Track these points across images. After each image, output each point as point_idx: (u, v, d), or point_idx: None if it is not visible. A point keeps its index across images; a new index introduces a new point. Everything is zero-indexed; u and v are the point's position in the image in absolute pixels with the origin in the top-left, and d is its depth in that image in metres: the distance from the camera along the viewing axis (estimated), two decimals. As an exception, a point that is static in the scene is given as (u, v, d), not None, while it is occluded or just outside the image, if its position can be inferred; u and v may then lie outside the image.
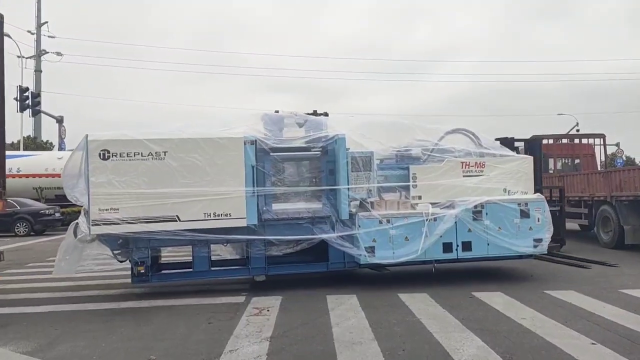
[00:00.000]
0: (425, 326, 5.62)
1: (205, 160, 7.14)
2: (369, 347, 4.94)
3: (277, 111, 8.56)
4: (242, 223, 7.23)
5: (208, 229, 7.13)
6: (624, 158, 26.91)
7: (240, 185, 7.23)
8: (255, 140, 7.42)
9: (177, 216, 7.02)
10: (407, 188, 8.25)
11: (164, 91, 73.06)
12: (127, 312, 6.70)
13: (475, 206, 7.81)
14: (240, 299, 7.17)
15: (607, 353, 4.71)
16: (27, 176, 21.75)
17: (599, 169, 16.46)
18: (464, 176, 8.33)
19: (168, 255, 9.07)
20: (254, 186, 7.31)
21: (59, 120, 30.81)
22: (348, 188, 7.65)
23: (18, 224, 18.74)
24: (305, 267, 7.94)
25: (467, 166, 8.38)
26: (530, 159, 8.77)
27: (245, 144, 7.28)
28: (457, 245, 7.77)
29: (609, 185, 11.78)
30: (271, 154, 7.63)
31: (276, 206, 7.70)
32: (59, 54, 34.37)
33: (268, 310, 6.48)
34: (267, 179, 7.57)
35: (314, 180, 8.02)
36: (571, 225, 13.37)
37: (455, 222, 7.72)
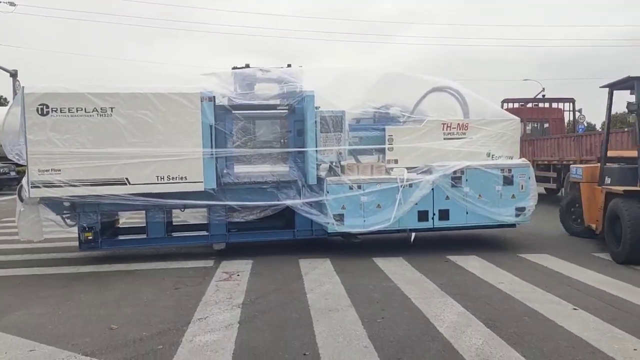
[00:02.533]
0: (403, 292, 5.56)
1: (158, 118, 6.74)
2: (347, 314, 4.83)
3: (247, 65, 8.15)
4: (200, 187, 6.92)
5: (161, 193, 6.83)
6: (585, 124, 27.78)
7: (197, 145, 6.87)
8: (214, 97, 7.02)
9: (126, 179, 6.69)
10: (383, 151, 7.96)
11: (131, 47, 71.23)
12: (88, 276, 6.50)
13: (455, 172, 7.54)
14: (209, 263, 7.02)
15: (590, 319, 4.62)
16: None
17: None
18: (444, 139, 8.02)
19: (131, 218, 8.78)
20: (212, 147, 6.95)
21: (13, 75, 29.52)
22: (316, 150, 7.32)
23: (-29, 183, 18.28)
24: (269, 235, 7.69)
25: (449, 128, 8.06)
26: (517, 120, 8.46)
27: (202, 100, 6.88)
28: (434, 214, 7.54)
29: (579, 150, 12.26)
30: (233, 112, 7.26)
31: (238, 169, 7.40)
32: (12, 4, 32.74)
33: (238, 275, 6.34)
34: (228, 139, 7.23)
35: (281, 141, 7.70)
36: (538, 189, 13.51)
37: (432, 189, 7.46)
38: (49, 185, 6.50)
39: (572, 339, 4.15)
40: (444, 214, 7.56)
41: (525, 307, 4.97)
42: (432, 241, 8.17)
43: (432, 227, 7.57)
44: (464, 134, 8.09)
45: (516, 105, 17.97)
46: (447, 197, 7.53)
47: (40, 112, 6.43)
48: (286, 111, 7.46)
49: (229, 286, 5.87)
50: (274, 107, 7.51)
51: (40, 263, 7.24)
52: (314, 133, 7.33)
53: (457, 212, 7.58)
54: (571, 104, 18.37)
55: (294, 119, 7.44)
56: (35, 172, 6.46)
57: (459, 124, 8.09)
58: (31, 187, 6.48)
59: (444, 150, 7.91)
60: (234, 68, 7.78)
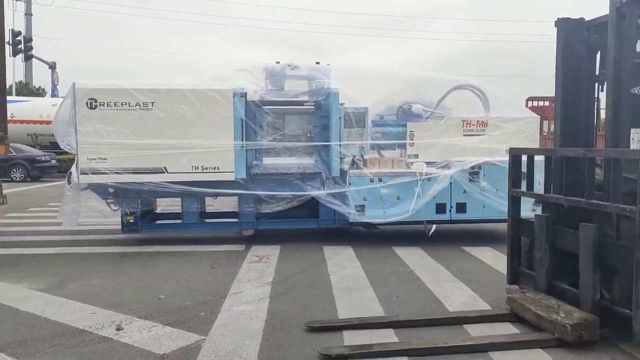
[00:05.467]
0: (418, 276, 6.29)
1: (193, 112, 7.60)
2: (365, 293, 5.60)
3: (278, 62, 8.89)
4: (231, 177, 7.76)
5: (196, 181, 7.68)
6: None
7: (229, 138, 7.70)
8: (245, 93, 7.83)
9: (164, 168, 7.56)
10: (404, 146, 8.66)
11: (160, 40, 72.96)
12: (134, 255, 7.43)
13: (473, 167, 8.19)
14: (241, 247, 7.87)
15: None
16: (21, 122, 22.54)
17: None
18: (464, 135, 8.66)
19: (170, 205, 9.69)
20: (243, 140, 7.78)
21: (52, 67, 31.34)
22: (340, 144, 8.07)
23: (14, 170, 19.69)
24: (295, 223, 8.50)
25: (469, 125, 8.69)
26: (536, 118, 9.05)
27: (234, 96, 7.70)
28: (451, 207, 8.21)
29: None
30: (263, 107, 8.05)
31: (267, 161, 8.18)
32: (56, -3, 34.43)
33: (267, 258, 7.17)
34: (258, 133, 8.03)
35: (308, 135, 8.44)
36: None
37: (450, 183, 8.14)
38: (95, 172, 7.42)
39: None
40: (461, 207, 8.23)
41: (529, 293, 5.64)
42: (449, 233, 8.86)
43: (449, 219, 8.25)
44: (484, 130, 8.71)
45: (542, 103, 18.30)
46: (465, 191, 8.19)
47: (89, 106, 7.34)
48: (313, 107, 8.21)
49: (260, 267, 6.71)
50: (301, 103, 8.26)
51: (89, 243, 8.21)
52: (338, 128, 8.08)
53: (474, 206, 8.23)
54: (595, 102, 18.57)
55: (319, 114, 8.19)
56: (84, 160, 7.38)
57: (478, 121, 8.72)
58: (80, 174, 7.40)
59: (463, 147, 8.55)
60: (266, 64, 8.55)
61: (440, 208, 8.20)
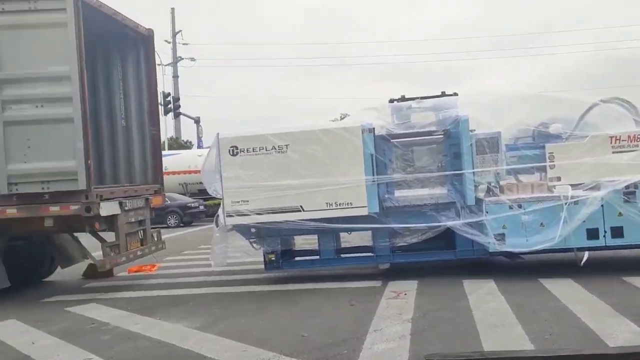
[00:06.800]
0: (572, 311, 5.75)
1: (325, 151, 7.84)
2: (513, 330, 5.24)
3: (403, 96, 8.93)
4: (364, 212, 7.80)
5: (330, 218, 7.84)
6: None
7: (360, 174, 7.79)
8: (373, 128, 7.91)
9: (300, 206, 7.84)
10: (544, 169, 8.07)
11: (282, 86, 77.20)
12: (275, 294, 7.78)
13: (627, 186, 7.36)
14: (377, 283, 7.82)
15: None
16: (173, 173, 24.95)
17: None
18: (613, 152, 7.84)
19: (307, 242, 10.05)
20: (373, 174, 7.82)
21: (196, 121, 34.91)
22: (473, 172, 7.76)
23: (169, 217, 21.78)
24: (432, 255, 8.25)
25: (618, 140, 7.86)
26: (701, 127, 7.92)
27: (362, 132, 7.81)
28: (605, 232, 7.42)
29: None
30: (391, 140, 8.05)
31: (398, 193, 8.12)
32: (192, 59, 38.57)
33: (405, 294, 7.04)
34: (388, 166, 8.02)
35: (438, 165, 8.25)
36: None
37: (602, 205, 7.38)
38: (239, 214, 7.92)
39: None
40: (618, 232, 7.39)
41: None
42: (605, 261, 7.99)
43: (604, 245, 7.46)
44: (637, 145, 7.83)
45: None
46: (620, 214, 7.36)
47: (231, 153, 7.92)
48: (442, 136, 8.03)
49: (398, 303, 6.58)
50: (430, 133, 8.13)
51: (235, 283, 8.67)
52: (470, 155, 7.78)
53: (632, 229, 7.35)
54: None
55: (449, 143, 7.98)
56: (229, 204, 7.92)
57: (630, 135, 7.86)
58: (226, 217, 7.95)
59: (613, 165, 7.75)
60: (391, 101, 8.61)
61: (592, 233, 7.44)
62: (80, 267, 10.06)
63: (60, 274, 10.19)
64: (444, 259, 8.26)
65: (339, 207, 7.82)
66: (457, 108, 8.03)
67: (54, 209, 7.68)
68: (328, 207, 7.83)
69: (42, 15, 7.51)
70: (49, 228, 8.00)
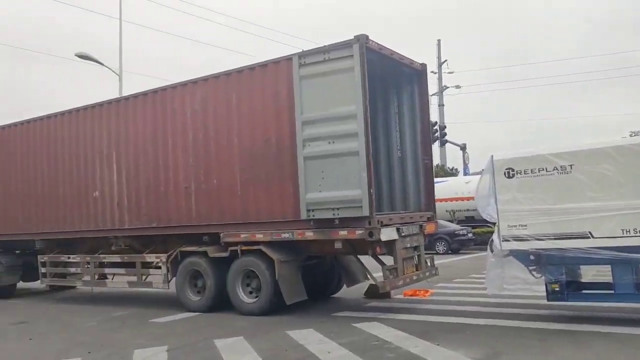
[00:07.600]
0: None
1: (618, 170, 6.92)
2: None
3: None
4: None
5: (628, 246, 6.83)
6: None
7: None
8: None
9: (589, 232, 7.04)
10: None
11: (550, 106, 70.25)
12: (562, 333, 7.06)
13: None
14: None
15: None
16: (441, 200, 25.27)
17: None
18: None
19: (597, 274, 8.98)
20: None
21: (462, 148, 34.73)
22: None
23: (438, 243, 22.05)
24: None
25: None
26: None
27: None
28: None
29: None
30: None
31: None
32: (457, 87, 39.00)
33: None
34: None
35: None
36: None
37: None
38: (516, 239, 7.51)
39: None
40: None
41: None
42: None
43: None
44: None
45: None
46: None
47: (507, 175, 7.63)
48: None
49: None
50: None
51: (513, 317, 8.14)
52: None
53: None
54: None
55: None
56: (505, 227, 7.60)
57: None
58: (502, 241, 7.64)
59: None
60: None
61: None
62: (361, 286, 10.90)
63: (344, 292, 11.21)
64: None
65: (639, 234, 6.77)
66: None
67: (342, 233, 8.59)
68: (625, 235, 6.84)
69: (334, 64, 8.57)
70: (338, 250, 8.99)
